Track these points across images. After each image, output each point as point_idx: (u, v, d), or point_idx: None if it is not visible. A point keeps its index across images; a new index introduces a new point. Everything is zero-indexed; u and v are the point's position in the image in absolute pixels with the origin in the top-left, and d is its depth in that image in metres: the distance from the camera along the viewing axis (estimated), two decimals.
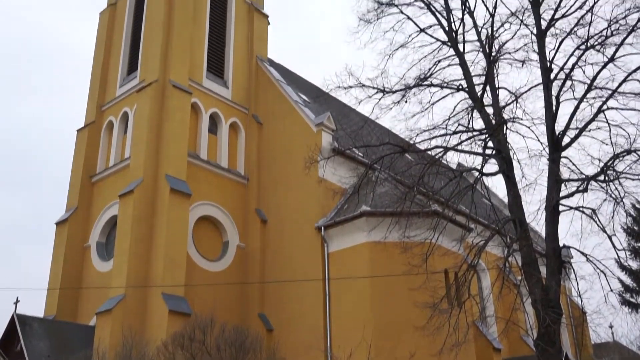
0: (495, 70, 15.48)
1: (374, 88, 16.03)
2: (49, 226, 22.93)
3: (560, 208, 13.97)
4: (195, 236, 21.29)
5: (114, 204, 21.71)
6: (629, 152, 13.65)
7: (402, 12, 16.92)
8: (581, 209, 13.89)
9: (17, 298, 18.31)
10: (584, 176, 14.17)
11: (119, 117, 23.96)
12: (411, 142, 15.48)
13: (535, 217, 14.19)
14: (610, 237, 13.54)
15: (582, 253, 13.68)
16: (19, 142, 61.77)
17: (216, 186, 22.66)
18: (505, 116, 15.11)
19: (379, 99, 16.05)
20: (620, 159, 13.76)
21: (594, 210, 13.82)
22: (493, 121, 14.99)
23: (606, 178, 13.77)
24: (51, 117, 64.60)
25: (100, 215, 22.67)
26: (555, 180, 13.94)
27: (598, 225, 13.72)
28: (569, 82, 14.72)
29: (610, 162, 13.78)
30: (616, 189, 13.74)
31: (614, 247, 13.53)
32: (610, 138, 14.04)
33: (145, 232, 19.70)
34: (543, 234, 14.32)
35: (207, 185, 22.26)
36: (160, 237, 19.51)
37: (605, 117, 14.12)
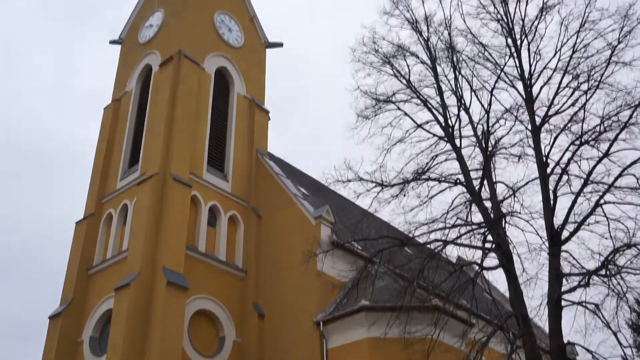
0: (492, 165, 15.70)
1: (372, 182, 16.23)
2: (43, 321, 22.57)
3: (563, 303, 13.77)
4: (191, 331, 20.81)
5: (109, 298, 21.37)
6: (629, 246, 13.62)
7: (399, 108, 17.40)
8: (584, 304, 13.70)
9: None
10: (585, 270, 14.07)
11: (118, 210, 24.03)
12: (410, 235, 15.49)
13: (537, 312, 13.99)
14: (615, 334, 13.27)
15: (588, 350, 13.38)
16: (15, 235, 61.53)
17: (214, 279, 22.40)
18: (504, 210, 15.20)
19: (378, 193, 16.22)
20: (621, 253, 13.72)
21: (597, 306, 13.62)
22: (491, 215, 15.05)
23: (607, 272, 13.67)
24: (49, 210, 64.79)
25: (95, 309, 22.26)
26: (556, 275, 13.82)
27: (602, 321, 13.49)
28: (565, 177, 14.91)
29: (611, 256, 13.71)
30: (618, 283, 13.61)
31: (620, 344, 13.23)
32: (610, 232, 14.05)
33: (140, 327, 19.27)
34: (546, 330, 14.04)
35: (204, 279, 21.99)
36: (155, 332, 19.06)
37: (603, 211, 14.20)
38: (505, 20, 16.86)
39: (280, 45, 30.83)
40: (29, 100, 72.03)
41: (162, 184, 22.12)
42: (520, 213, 15.19)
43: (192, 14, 26.99)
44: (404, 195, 16.22)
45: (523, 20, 16.67)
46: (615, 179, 14.18)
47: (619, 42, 15.40)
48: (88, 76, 76.82)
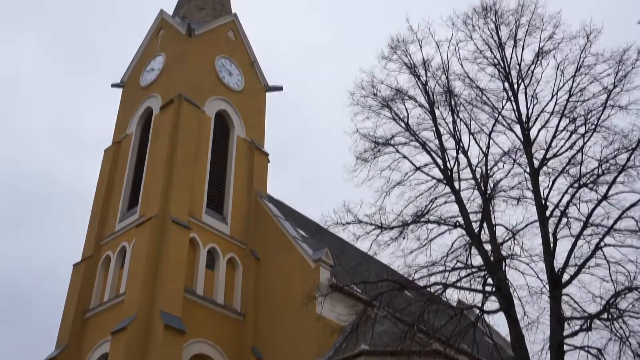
0: (491, 208, 15.71)
1: (371, 224, 16.20)
2: None
3: (565, 348, 13.61)
4: None
5: (105, 342, 21.10)
6: (630, 289, 13.52)
7: (398, 151, 17.49)
8: (586, 348, 13.53)
9: None
10: (586, 314, 13.93)
11: (116, 252, 23.93)
12: (410, 278, 15.39)
13: (539, 357, 13.80)
14: None
15: None
16: (10, 279, 60.98)
17: (212, 323, 22.16)
18: (504, 253, 15.13)
19: (377, 235, 16.19)
20: (622, 296, 13.61)
21: (599, 350, 13.45)
22: (491, 258, 14.98)
23: (609, 316, 13.53)
24: (47, 252, 64.48)
25: (91, 353, 21.96)
26: (557, 319, 13.68)
27: None
28: (564, 220, 14.90)
29: (612, 300, 13.61)
30: (620, 327, 13.46)
31: None
32: (610, 275, 13.97)
33: None
34: None
35: (202, 322, 21.76)
36: None
37: (604, 254, 14.15)
38: (502, 64, 17.11)
39: (280, 88, 31.17)
40: (29, 143, 72.47)
41: (161, 226, 22.08)
42: (520, 256, 15.14)
43: (193, 58, 27.37)
44: (404, 238, 16.19)
45: (519, 65, 16.93)
46: (615, 222, 14.17)
47: (615, 86, 15.61)
48: (89, 119, 77.50)
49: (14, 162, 69.07)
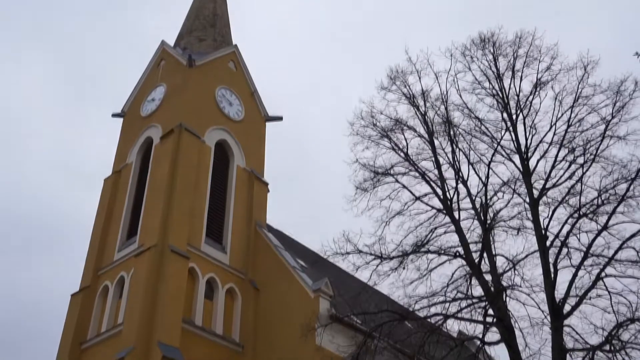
0: (491, 238, 15.70)
1: (371, 254, 16.18)
2: None
3: None
4: None
5: None
6: (632, 320, 13.44)
7: (397, 181, 17.55)
8: None
9: None
10: (588, 346, 13.82)
11: (114, 282, 23.77)
12: (410, 309, 15.30)
13: None
14: None
15: None
16: (6, 309, 60.52)
17: (210, 354, 21.89)
18: (504, 283, 15.08)
19: (377, 266, 16.16)
20: (625, 327, 13.52)
21: None
22: (492, 288, 14.91)
23: (612, 348, 13.43)
24: (47, 281, 64.07)
25: None
26: (559, 350, 13.58)
27: None
28: (565, 250, 14.89)
29: (614, 331, 13.51)
30: (623, 359, 13.34)
31: None
32: (612, 306, 13.90)
33: None
34: None
35: (200, 353, 21.50)
36: None
37: (605, 285, 14.09)
38: (501, 95, 17.25)
39: (280, 118, 31.34)
40: (30, 172, 72.55)
41: (160, 256, 21.97)
42: (521, 286, 15.09)
43: (193, 88, 27.57)
44: (404, 268, 16.16)
45: (518, 96, 17.08)
46: (615, 252, 14.16)
47: (613, 117, 15.73)
48: (90, 148, 77.67)
49: (14, 190, 69.10)
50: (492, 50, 17.56)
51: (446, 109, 17.79)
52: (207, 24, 32.64)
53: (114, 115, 31.12)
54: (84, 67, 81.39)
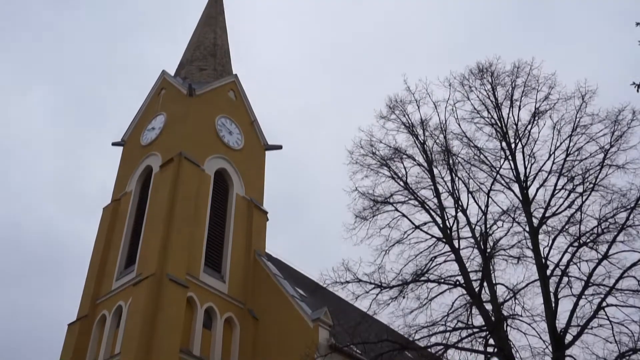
0: (491, 267, 15.64)
1: (371, 283, 16.09)
2: None
3: None
4: None
5: None
6: (634, 351, 13.33)
7: (397, 209, 17.52)
8: None
9: None
10: None
11: (112, 311, 23.57)
12: (410, 338, 15.16)
13: None
14: None
15: None
16: (3, 338, 59.93)
17: None
18: (505, 313, 14.98)
19: (377, 295, 16.05)
20: (627, 358, 13.39)
21: None
22: (493, 318, 14.80)
23: None
24: (46, 310, 63.53)
25: None
26: None
27: None
28: (565, 279, 14.82)
29: None
30: None
31: None
32: (614, 336, 13.79)
33: None
34: None
35: None
36: None
37: (606, 315, 14.00)
38: (499, 124, 17.33)
39: (279, 147, 31.45)
40: (30, 200, 72.53)
41: (158, 285, 21.84)
42: (521, 316, 14.99)
43: (193, 117, 27.71)
44: (403, 297, 16.05)
45: (516, 125, 17.17)
46: (616, 282, 14.09)
47: (611, 146, 15.79)
48: (91, 176, 77.76)
49: (14, 218, 68.96)
50: (490, 80, 17.71)
51: (445, 137, 17.88)
52: (208, 54, 32.96)
53: (114, 144, 31.23)
54: (85, 95, 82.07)
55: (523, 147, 16.86)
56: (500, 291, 15.62)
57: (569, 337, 14.07)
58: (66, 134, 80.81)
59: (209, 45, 33.50)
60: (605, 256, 14.55)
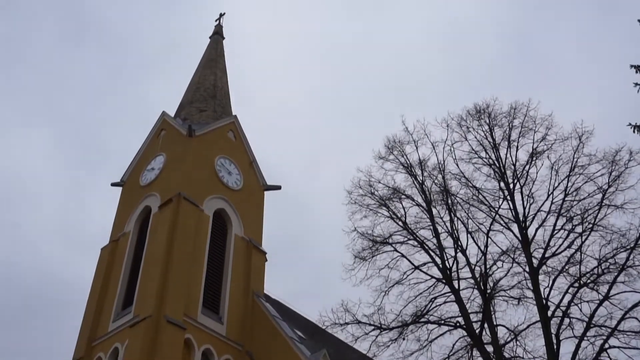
0: (492, 308, 15.53)
1: (370, 325, 15.96)
2: None
3: None
4: None
5: None
6: None
7: (396, 250, 17.50)
8: None
9: None
10: None
11: (108, 353, 23.23)
12: None
13: None
14: None
15: None
16: None
17: None
18: (506, 355, 14.82)
19: (376, 336, 15.91)
20: None
21: None
22: None
23: None
24: (38, 352, 62.59)
25: None
26: None
27: None
28: (567, 320, 14.71)
29: None
30: None
31: None
32: None
33: None
34: None
35: None
36: None
37: (609, 356, 13.89)
38: (497, 164, 17.43)
39: (278, 188, 31.48)
40: (30, 240, 72.17)
41: (156, 327, 21.58)
42: (523, 358, 14.86)
43: (193, 158, 27.80)
44: (403, 339, 15.89)
45: (514, 165, 17.26)
46: (618, 323, 13.99)
47: (609, 186, 15.85)
48: (91, 216, 77.57)
49: (13, 258, 68.55)
50: (487, 121, 17.87)
51: (443, 178, 17.96)
52: (208, 96, 33.27)
53: (113, 184, 31.25)
54: (84, 136, 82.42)
55: (521, 187, 16.93)
56: (501, 333, 15.50)
57: None
58: (66, 173, 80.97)
59: (209, 87, 33.84)
60: (607, 297, 14.47)
